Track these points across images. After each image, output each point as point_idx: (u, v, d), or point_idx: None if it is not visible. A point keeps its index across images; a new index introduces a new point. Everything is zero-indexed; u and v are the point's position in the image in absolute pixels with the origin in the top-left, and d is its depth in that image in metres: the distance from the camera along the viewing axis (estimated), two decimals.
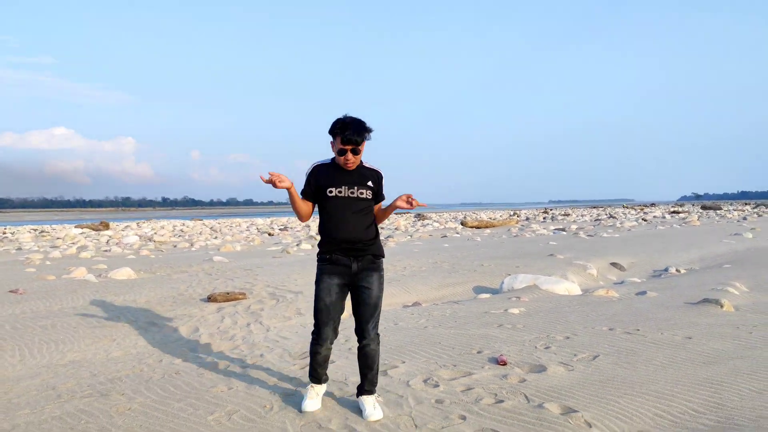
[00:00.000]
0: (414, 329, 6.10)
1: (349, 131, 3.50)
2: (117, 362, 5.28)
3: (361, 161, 3.72)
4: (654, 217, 37.10)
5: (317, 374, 3.81)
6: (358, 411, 3.73)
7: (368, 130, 3.58)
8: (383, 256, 3.82)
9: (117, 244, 21.24)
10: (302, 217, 3.73)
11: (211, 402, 4.00)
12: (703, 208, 54.54)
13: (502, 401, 3.86)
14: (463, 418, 3.60)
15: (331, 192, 3.60)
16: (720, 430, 3.33)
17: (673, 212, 44.28)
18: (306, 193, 3.69)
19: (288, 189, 3.56)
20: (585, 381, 4.24)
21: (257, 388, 4.28)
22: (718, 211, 44.83)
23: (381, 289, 3.73)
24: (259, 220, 49.94)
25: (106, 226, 32.84)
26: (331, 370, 4.70)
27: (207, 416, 3.73)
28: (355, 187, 3.63)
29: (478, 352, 5.08)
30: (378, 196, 3.78)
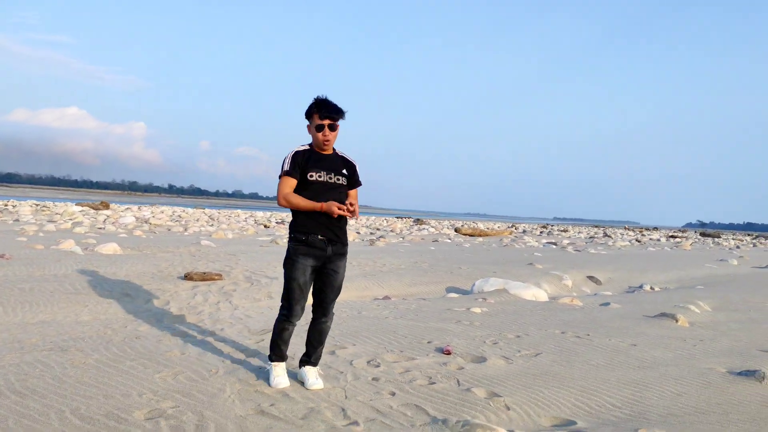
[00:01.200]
0: (374, 318, 6.33)
1: (325, 108, 3.76)
2: (84, 325, 5.53)
3: (334, 149, 3.96)
4: (650, 239, 37.24)
5: (280, 351, 3.97)
6: (297, 380, 3.97)
7: (343, 110, 3.83)
8: (347, 243, 4.04)
9: (113, 223, 21.52)
10: (286, 205, 3.84)
11: (161, 363, 4.24)
12: (702, 235, 54.66)
13: (434, 383, 4.09)
14: (393, 393, 3.83)
15: (311, 176, 3.78)
16: (628, 421, 3.55)
17: (671, 237, 44.41)
18: (292, 175, 3.80)
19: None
20: (519, 373, 4.46)
21: (209, 355, 4.52)
22: (716, 239, 44.92)
23: (344, 274, 3.99)
24: (260, 213, 50.22)
25: (106, 206, 33.15)
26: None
27: (154, 375, 3.97)
28: (333, 173, 3.85)
29: (428, 342, 5.31)
30: (353, 182, 3.98)
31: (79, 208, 31.18)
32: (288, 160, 3.82)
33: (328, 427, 3.21)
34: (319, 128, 3.78)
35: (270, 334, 5.28)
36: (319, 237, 3.80)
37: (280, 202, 3.81)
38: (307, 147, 3.93)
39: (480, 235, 27.78)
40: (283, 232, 22.18)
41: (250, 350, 4.77)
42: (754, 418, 3.70)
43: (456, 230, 30.17)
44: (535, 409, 3.71)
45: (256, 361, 4.45)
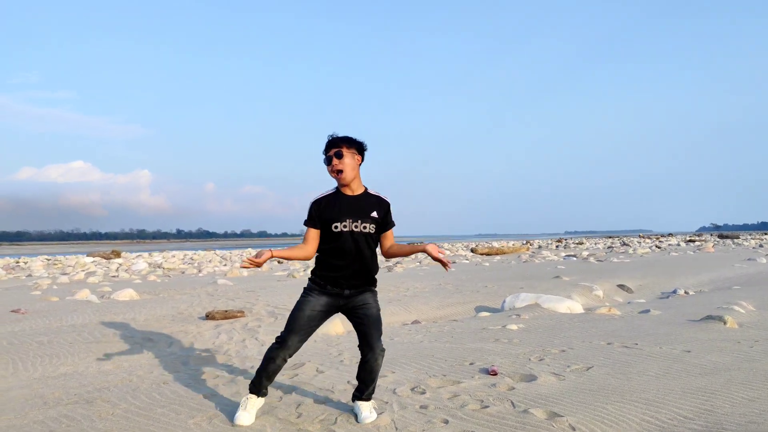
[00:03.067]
0: (408, 344, 6.04)
1: (329, 142, 3.54)
2: (108, 374, 5.26)
3: (366, 189, 3.66)
4: (669, 245, 36.71)
5: (261, 385, 3.66)
6: (345, 415, 3.68)
7: (352, 140, 3.58)
8: (376, 284, 3.75)
9: (126, 270, 21.36)
10: (308, 257, 3.62)
11: (194, 408, 3.97)
12: (720, 237, 53.92)
13: (487, 407, 3.79)
14: (446, 421, 3.54)
15: (336, 228, 3.48)
16: None
17: (689, 241, 43.80)
18: (309, 225, 3.56)
19: (272, 257, 3.47)
20: (575, 389, 4.16)
21: (242, 396, 4.23)
22: (735, 240, 44.25)
23: (379, 307, 3.68)
24: None
25: (118, 255, 33.07)
26: (319, 379, 4.68)
27: (188, 420, 3.70)
28: (359, 221, 3.53)
29: (471, 364, 5.01)
30: (385, 225, 3.66)
31: (91, 258, 31.11)
32: (308, 209, 3.59)
33: None
34: (328, 161, 3.54)
35: (303, 368, 5.04)
36: (337, 289, 3.55)
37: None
38: (333, 191, 3.65)
39: (497, 254, 27.40)
40: (298, 266, 21.93)
41: (285, 387, 4.48)
42: None
43: (472, 250, 29.81)
44: (602, 427, 3.40)
45: (293, 398, 4.16)
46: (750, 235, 71.67)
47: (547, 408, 3.71)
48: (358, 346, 3.67)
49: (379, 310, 3.67)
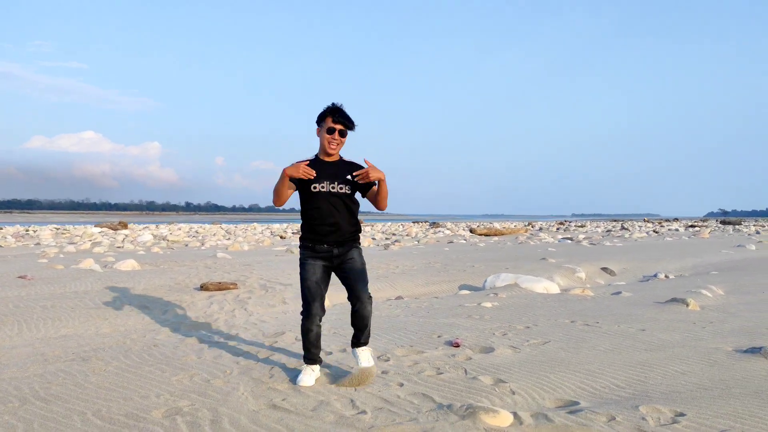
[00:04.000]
0: (386, 317, 6.45)
1: (340, 114, 3.87)
2: (104, 336, 5.72)
3: (340, 156, 4.05)
4: (668, 230, 36.94)
5: (312, 354, 4.04)
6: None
7: (354, 124, 3.94)
8: (359, 236, 4.12)
9: (131, 242, 21.89)
10: (280, 201, 3.92)
11: (178, 367, 4.40)
12: (722, 222, 54.06)
13: (442, 373, 4.19)
14: (401, 384, 3.94)
15: (315, 188, 3.86)
16: (629, 400, 3.63)
17: (690, 226, 43.98)
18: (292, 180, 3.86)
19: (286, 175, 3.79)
20: (526, 361, 4.56)
21: (223, 358, 4.68)
22: (736, 226, 44.40)
23: (363, 261, 4.07)
24: (276, 225, 50.60)
25: (125, 226, 33.67)
26: (297, 346, 5.08)
27: (171, 377, 4.13)
28: (336, 182, 3.91)
29: (438, 337, 5.42)
30: (363, 186, 3.99)
31: (99, 229, 31.71)
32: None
33: (336, 417, 3.34)
34: (330, 131, 3.87)
35: (283, 336, 5.46)
36: (325, 246, 3.93)
37: (273, 202, 3.93)
38: (313, 157, 4.02)
39: (495, 235, 27.77)
40: (297, 242, 22.39)
41: (264, 351, 4.91)
42: (756, 392, 3.75)
43: (471, 231, 30.19)
44: (540, 392, 3.80)
45: (269, 362, 4.58)
46: (755, 221, 71.57)
47: (495, 375, 4.11)
48: (347, 297, 4.06)
49: (363, 263, 4.06)
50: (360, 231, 4.14)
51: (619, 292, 8.14)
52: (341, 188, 3.92)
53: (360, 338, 4.13)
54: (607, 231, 34.49)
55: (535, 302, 7.41)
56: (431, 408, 3.47)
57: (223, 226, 46.06)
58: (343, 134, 3.91)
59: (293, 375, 4.16)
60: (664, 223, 56.80)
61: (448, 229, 38.60)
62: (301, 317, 4.02)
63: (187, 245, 21.26)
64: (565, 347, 5.00)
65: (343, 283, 4.05)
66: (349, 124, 3.90)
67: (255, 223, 57.33)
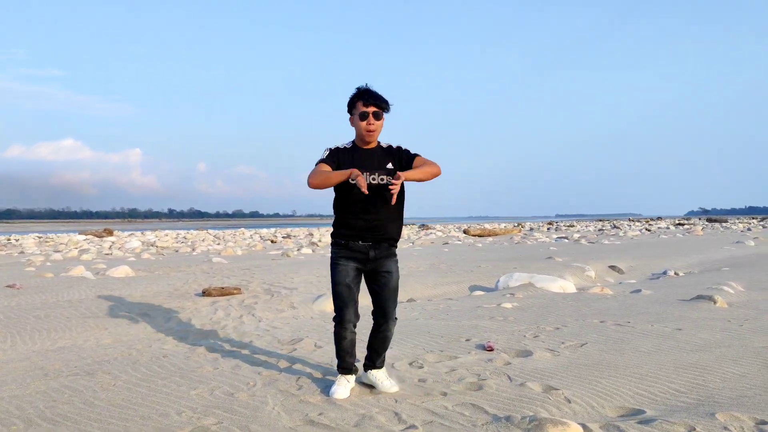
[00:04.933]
0: (404, 320, 6.10)
1: (370, 95, 3.47)
2: (107, 348, 5.30)
3: (379, 143, 3.66)
4: (659, 228, 37.00)
5: (346, 363, 3.70)
6: (363, 385, 3.75)
7: (389, 104, 3.55)
8: (398, 239, 3.74)
9: (119, 248, 21.33)
10: (323, 187, 3.42)
11: (195, 380, 4.02)
12: (709, 220, 54.42)
13: (484, 380, 3.86)
14: (444, 394, 3.61)
15: (353, 179, 3.38)
16: (698, 407, 3.32)
17: (679, 224, 44.17)
18: (327, 162, 3.49)
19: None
20: (570, 364, 4.24)
21: (243, 369, 4.30)
22: (723, 224, 44.66)
23: (398, 276, 3.72)
24: (264, 230, 50.04)
25: (110, 233, 32.98)
26: (317, 354, 4.73)
27: (190, 391, 3.75)
28: (376, 173, 3.52)
29: (467, 340, 5.09)
30: (404, 163, 3.61)
31: (83, 236, 31.01)
32: (325, 152, 3.56)
33: None
34: (363, 116, 3.48)
35: (301, 343, 5.10)
36: (360, 243, 3.56)
37: (309, 182, 3.39)
38: (349, 144, 3.64)
39: (489, 235, 27.54)
40: (292, 245, 21.98)
41: (286, 360, 4.54)
42: None
43: (465, 232, 29.94)
44: (597, 400, 3.48)
45: (293, 371, 4.22)
46: (738, 219, 72.27)
47: (543, 381, 3.79)
48: (372, 312, 3.71)
49: (398, 279, 3.71)
50: (401, 233, 3.77)
51: (639, 290, 7.88)
52: (382, 179, 3.53)
53: (376, 360, 3.76)
54: (600, 230, 34.45)
55: (556, 302, 7.11)
56: (487, 420, 3.13)
57: (210, 231, 45.38)
58: (378, 116, 3.50)
59: (324, 386, 3.80)
60: (652, 222, 57.04)
61: (439, 231, 38.34)
62: (334, 323, 3.67)
63: (177, 251, 20.74)
64: (605, 349, 4.69)
65: (373, 296, 3.69)
66: (382, 104, 3.50)
67: (243, 229, 56.69)
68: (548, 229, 39.12)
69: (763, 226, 36.83)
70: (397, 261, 3.75)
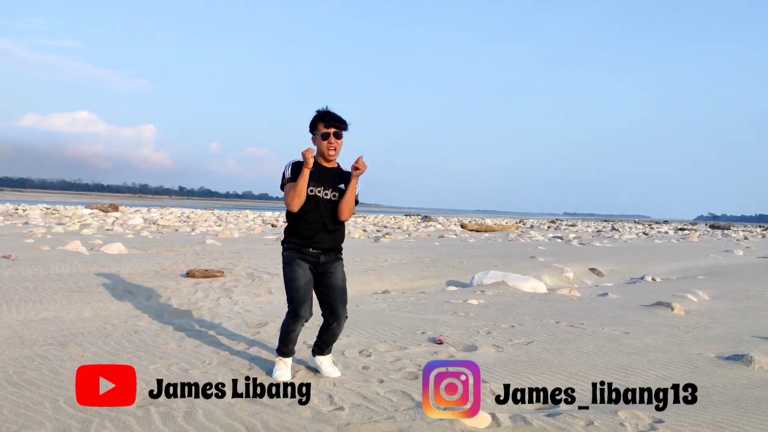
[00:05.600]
0: (371, 311, 6.41)
1: (330, 117, 3.83)
2: (85, 321, 5.66)
3: (338, 164, 4.00)
4: (657, 232, 37.09)
5: (288, 349, 3.99)
6: (308, 368, 4.07)
7: (347, 124, 3.90)
8: (342, 252, 4.09)
9: (121, 225, 21.75)
10: (301, 200, 3.77)
11: (157, 355, 4.35)
12: (712, 227, 54.36)
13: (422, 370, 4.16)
14: (381, 381, 3.92)
15: (311, 191, 3.79)
16: (610, 404, 3.61)
17: (680, 229, 44.19)
18: (292, 179, 3.82)
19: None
20: (509, 361, 4.54)
21: (204, 348, 4.63)
22: (725, 231, 44.65)
23: (345, 277, 4.04)
24: (268, 213, 50.41)
25: (115, 208, 33.47)
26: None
27: (149, 366, 4.08)
28: (329, 190, 3.89)
29: (422, 333, 5.39)
30: (345, 187, 3.95)
31: (89, 210, 31.50)
32: (288, 168, 3.87)
33: (313, 413, 3.30)
34: (325, 136, 3.83)
35: (266, 327, 5.42)
36: (311, 249, 3.87)
37: (289, 205, 3.80)
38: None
39: (486, 231, 27.81)
40: None
41: (246, 342, 4.86)
42: (736, 400, 3.76)
43: (462, 226, 30.22)
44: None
45: (250, 353, 4.54)
46: (743, 227, 72.01)
47: None
48: (323, 314, 4.02)
49: (345, 280, 4.03)
50: (343, 241, 4.10)
51: (606, 294, 8.15)
52: (334, 195, 3.91)
53: (325, 349, 4.09)
54: (598, 231, 34.61)
55: (522, 301, 7.40)
56: (409, 406, 3.44)
57: (215, 212, 45.82)
58: (338, 136, 3.86)
59: (272, 368, 4.12)
60: (654, 225, 57.03)
61: (439, 223, 38.62)
62: (286, 317, 3.94)
63: (177, 230, 21.14)
64: (549, 348, 4.99)
65: (321, 298, 3.99)
66: (341, 125, 3.86)
67: (247, 210, 57.10)
68: (548, 227, 39.29)
69: (763, 236, 36.83)
70: (343, 264, 4.07)
